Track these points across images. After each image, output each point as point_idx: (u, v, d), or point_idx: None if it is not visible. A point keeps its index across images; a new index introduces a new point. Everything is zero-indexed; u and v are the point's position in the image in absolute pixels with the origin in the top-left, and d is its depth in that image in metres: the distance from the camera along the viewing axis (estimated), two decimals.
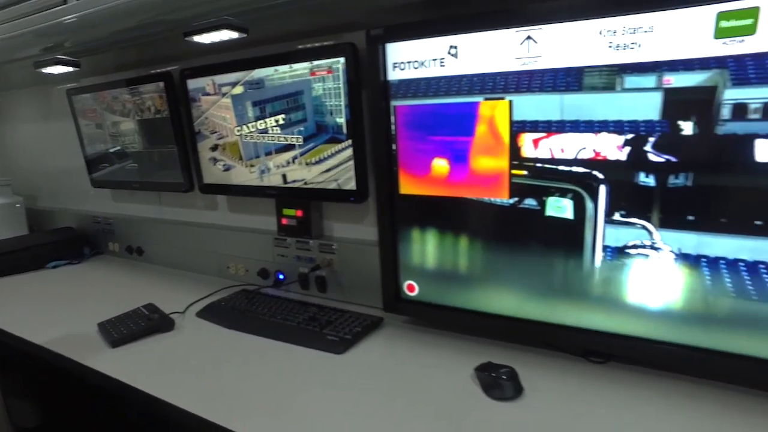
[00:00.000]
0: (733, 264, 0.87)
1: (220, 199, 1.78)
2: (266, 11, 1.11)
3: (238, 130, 1.52)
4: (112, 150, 1.94)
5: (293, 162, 1.44)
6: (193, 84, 1.58)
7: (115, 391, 1.09)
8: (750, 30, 0.77)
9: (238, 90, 1.48)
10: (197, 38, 1.27)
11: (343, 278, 1.45)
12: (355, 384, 1.02)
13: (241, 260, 1.68)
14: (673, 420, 0.86)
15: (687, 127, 0.86)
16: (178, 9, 1.19)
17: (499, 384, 0.95)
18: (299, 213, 1.49)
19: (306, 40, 1.38)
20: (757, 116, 0.80)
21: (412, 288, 1.24)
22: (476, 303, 1.15)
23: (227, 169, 1.61)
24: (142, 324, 1.31)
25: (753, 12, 0.76)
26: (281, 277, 1.56)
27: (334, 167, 1.37)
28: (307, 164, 1.42)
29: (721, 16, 0.79)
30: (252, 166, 1.54)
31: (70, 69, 1.62)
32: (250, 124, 1.49)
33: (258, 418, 0.92)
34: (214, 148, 1.62)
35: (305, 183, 1.43)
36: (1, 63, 1.77)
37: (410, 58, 1.09)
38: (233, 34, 1.26)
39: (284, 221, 1.53)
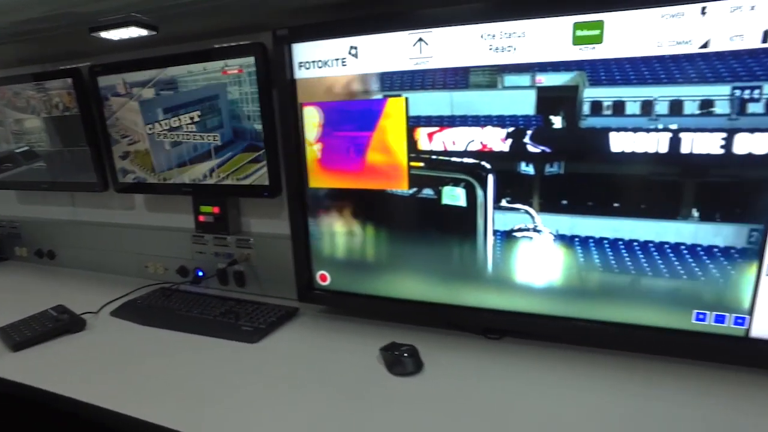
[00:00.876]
0: (599, 242, 1.00)
1: (137, 198, 1.75)
2: (170, 10, 1.12)
3: (150, 128, 1.50)
4: (16, 149, 1.84)
5: (210, 175, 1.44)
6: (104, 81, 1.54)
7: (17, 395, 1.06)
8: (598, 39, 0.90)
9: (149, 93, 1.46)
10: (104, 34, 1.25)
11: (260, 272, 1.47)
12: (267, 370, 1.06)
13: (160, 259, 1.66)
14: (559, 384, 0.97)
15: (557, 121, 0.97)
16: (84, 2, 1.17)
17: (401, 361, 1.02)
18: (216, 210, 1.50)
19: (220, 40, 1.39)
20: (609, 112, 0.92)
21: (324, 278, 1.29)
22: (384, 289, 1.22)
23: (138, 183, 1.60)
24: (49, 325, 1.27)
25: (599, 24, 0.89)
26: (200, 273, 1.56)
27: (252, 173, 1.38)
28: (225, 177, 1.42)
29: (577, 26, 0.91)
30: (165, 180, 1.53)
31: None
32: (162, 122, 1.48)
33: (169, 409, 0.93)
34: (125, 156, 1.58)
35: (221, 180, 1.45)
36: None
37: (315, 58, 1.14)
38: (142, 32, 1.25)
39: (201, 218, 1.54)
